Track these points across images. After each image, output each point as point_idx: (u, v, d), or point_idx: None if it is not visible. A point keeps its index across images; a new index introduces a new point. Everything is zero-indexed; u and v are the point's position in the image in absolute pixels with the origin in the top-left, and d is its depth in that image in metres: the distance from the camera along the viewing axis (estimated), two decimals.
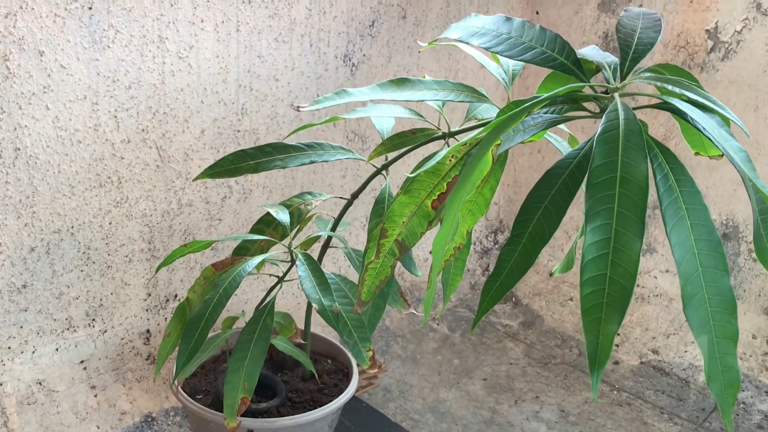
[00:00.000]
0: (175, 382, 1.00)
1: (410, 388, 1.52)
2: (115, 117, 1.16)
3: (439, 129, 0.83)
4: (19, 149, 1.07)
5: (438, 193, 0.72)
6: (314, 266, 0.88)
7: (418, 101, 0.69)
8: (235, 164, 0.90)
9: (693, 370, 1.62)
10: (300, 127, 0.90)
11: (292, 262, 0.95)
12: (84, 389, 1.23)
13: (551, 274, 0.85)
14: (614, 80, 0.58)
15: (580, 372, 1.65)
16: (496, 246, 2.04)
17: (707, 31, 1.55)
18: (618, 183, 0.49)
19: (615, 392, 1.58)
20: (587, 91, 0.60)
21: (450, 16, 1.66)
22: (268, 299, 0.97)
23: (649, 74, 0.57)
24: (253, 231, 1.01)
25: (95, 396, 1.24)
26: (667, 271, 1.76)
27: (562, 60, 0.59)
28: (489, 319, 1.85)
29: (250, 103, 1.33)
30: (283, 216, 0.93)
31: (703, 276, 0.51)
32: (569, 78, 0.60)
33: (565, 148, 0.75)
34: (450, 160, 0.71)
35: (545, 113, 0.62)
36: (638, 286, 1.80)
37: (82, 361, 1.23)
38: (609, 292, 0.47)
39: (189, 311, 0.91)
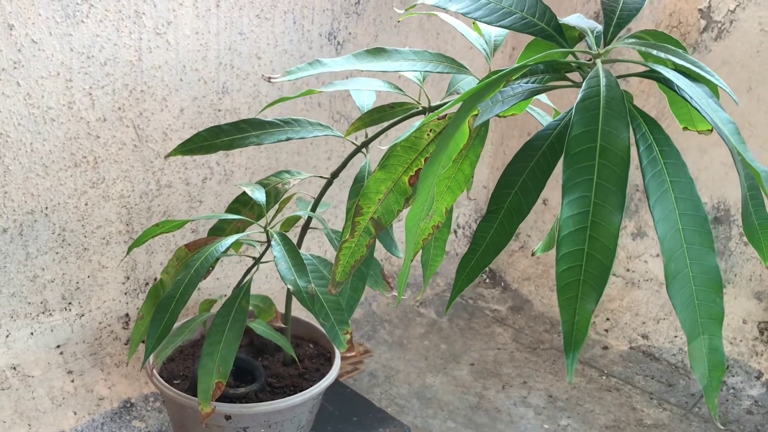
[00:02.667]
0: (146, 365, 0.98)
1: (396, 373, 1.50)
2: (90, 95, 1.12)
3: (419, 104, 0.80)
4: None
5: (416, 169, 0.69)
6: (290, 247, 0.86)
7: (395, 72, 0.66)
8: (209, 141, 0.87)
9: (683, 355, 1.61)
10: (275, 100, 0.87)
11: (268, 243, 0.92)
12: (60, 374, 1.20)
13: (533, 254, 0.82)
14: (597, 47, 0.55)
15: None
16: None
17: (700, 10, 1.52)
18: (598, 153, 0.46)
19: (604, 377, 1.56)
20: (570, 60, 0.57)
21: None
22: (245, 281, 0.94)
23: (633, 40, 0.54)
24: (229, 211, 0.98)
25: (72, 381, 1.21)
26: (657, 255, 1.73)
27: (542, 26, 0.56)
28: (477, 304, 1.82)
29: (231, 81, 1.30)
30: (258, 195, 0.90)
31: (688, 253, 0.49)
32: (551, 45, 0.57)
33: (547, 122, 0.72)
34: (428, 135, 0.68)
35: (526, 83, 0.59)
36: (628, 270, 1.77)
37: (58, 346, 1.21)
38: (586, 268, 0.44)
39: (162, 293, 0.88)
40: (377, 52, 0.69)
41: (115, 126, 1.16)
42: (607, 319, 1.74)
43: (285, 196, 0.96)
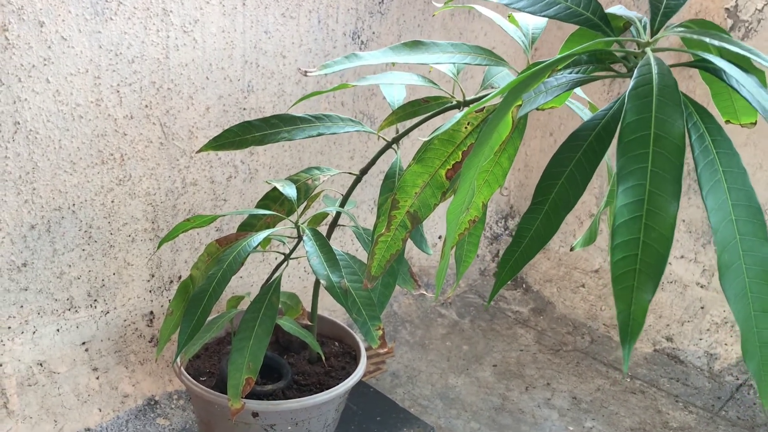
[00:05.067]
0: (177, 361, 0.97)
1: (418, 373, 1.49)
2: (118, 92, 1.13)
3: (453, 98, 0.79)
4: (18, 123, 1.04)
5: (453, 162, 0.68)
6: (322, 242, 0.85)
7: (433, 64, 0.65)
8: (240, 136, 0.86)
9: (708, 358, 1.59)
10: (308, 94, 0.87)
11: (299, 238, 0.92)
12: (86, 371, 1.21)
13: (572, 249, 0.81)
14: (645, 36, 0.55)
15: (592, 359, 1.62)
16: (507, 232, 2.00)
17: (727, 9, 1.50)
18: (652, 141, 0.45)
19: (628, 380, 1.54)
20: (615, 50, 0.56)
21: None
22: (274, 277, 0.94)
23: (682, 29, 0.53)
24: (259, 207, 0.98)
25: (97, 378, 1.21)
26: (682, 257, 1.72)
27: (588, 15, 0.55)
28: (499, 306, 1.81)
29: (257, 80, 1.30)
30: (290, 191, 0.90)
31: (741, 244, 0.48)
32: (596, 35, 0.56)
33: (586, 115, 0.71)
34: (466, 128, 0.67)
35: (569, 74, 0.58)
36: None
37: (83, 343, 1.21)
38: (642, 258, 0.43)
39: (192, 289, 0.88)
40: (415, 44, 0.68)
41: (141, 123, 1.17)
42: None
43: (314, 192, 0.95)
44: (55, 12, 1.03)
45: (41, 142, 1.07)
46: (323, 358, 1.05)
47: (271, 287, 0.90)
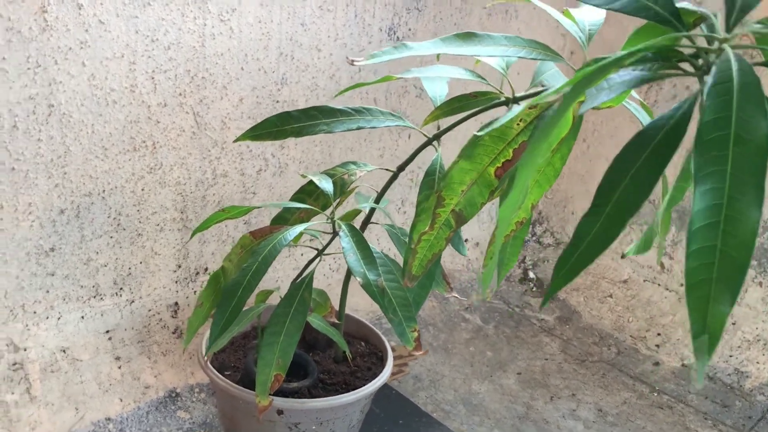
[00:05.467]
0: (206, 354, 0.96)
1: (441, 378, 1.47)
2: (153, 78, 1.11)
3: (502, 93, 0.77)
4: (53, 106, 1.03)
5: (503, 160, 0.65)
6: (359, 238, 0.83)
7: (486, 57, 0.63)
8: (279, 126, 0.84)
9: (739, 375, 1.54)
10: (353, 85, 0.85)
11: (334, 233, 0.89)
12: (108, 360, 1.19)
13: (623, 256, 0.78)
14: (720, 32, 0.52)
15: (618, 371, 1.58)
16: (533, 238, 1.97)
17: None
18: (732, 142, 0.42)
19: (655, 394, 1.50)
20: (685, 46, 0.54)
21: None
22: (307, 272, 0.92)
23: (760, 25, 0.51)
24: (293, 200, 0.96)
25: (119, 368, 1.20)
26: None
27: (657, 9, 0.52)
28: (524, 312, 1.78)
29: (291, 72, 1.28)
30: (326, 185, 0.88)
31: None
32: (665, 30, 0.54)
33: (644, 117, 0.68)
34: (518, 124, 0.64)
35: (633, 71, 0.55)
36: (682, 285, 1.71)
37: (107, 331, 1.19)
38: (719, 266, 0.40)
39: (224, 280, 0.86)
40: (467, 36, 0.66)
41: (175, 112, 1.15)
42: (659, 334, 1.68)
43: (350, 187, 0.93)
44: None
45: (74, 126, 1.06)
46: (350, 357, 1.03)
47: (303, 282, 0.88)
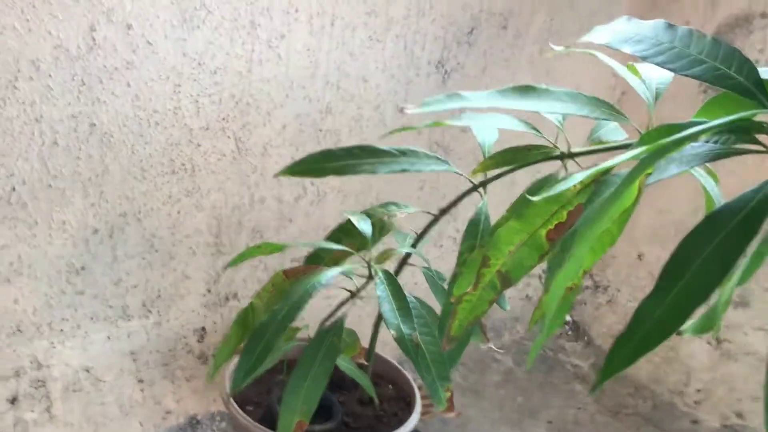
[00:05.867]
0: (230, 392, 0.93)
1: (469, 421, 1.42)
2: (197, 102, 1.10)
3: (557, 147, 0.73)
4: (94, 125, 1.02)
5: (556, 222, 0.62)
6: (395, 286, 0.79)
7: (546, 114, 0.59)
8: (321, 163, 0.81)
9: None
10: (399, 128, 0.82)
11: (370, 277, 0.86)
12: (131, 382, 1.17)
13: (680, 334, 0.72)
14: None
15: (653, 426, 1.51)
16: None
17: None
18: None
19: None
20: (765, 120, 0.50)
21: (552, 30, 1.55)
22: (338, 315, 0.88)
23: None
24: (329, 239, 0.93)
25: (142, 390, 1.18)
26: (759, 328, 1.60)
27: (740, 80, 0.48)
28: (558, 357, 1.72)
29: (336, 102, 1.26)
30: (365, 226, 0.84)
31: None
32: (744, 101, 0.50)
33: (711, 187, 0.64)
34: (575, 186, 0.60)
35: (705, 142, 0.51)
36: (726, 341, 1.64)
37: (132, 353, 1.18)
38: None
39: (252, 319, 0.83)
40: (525, 90, 0.62)
41: (217, 136, 1.14)
42: (698, 390, 1.61)
43: (390, 230, 0.90)
44: (144, 16, 1.01)
45: (114, 146, 1.05)
46: (376, 402, 0.99)
47: (334, 326, 0.85)
